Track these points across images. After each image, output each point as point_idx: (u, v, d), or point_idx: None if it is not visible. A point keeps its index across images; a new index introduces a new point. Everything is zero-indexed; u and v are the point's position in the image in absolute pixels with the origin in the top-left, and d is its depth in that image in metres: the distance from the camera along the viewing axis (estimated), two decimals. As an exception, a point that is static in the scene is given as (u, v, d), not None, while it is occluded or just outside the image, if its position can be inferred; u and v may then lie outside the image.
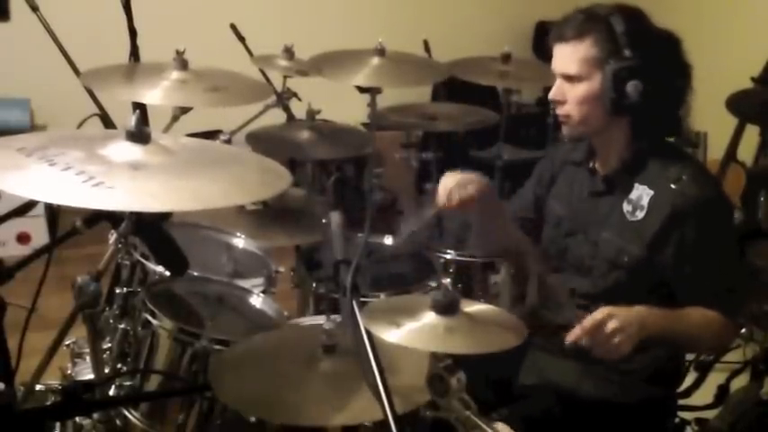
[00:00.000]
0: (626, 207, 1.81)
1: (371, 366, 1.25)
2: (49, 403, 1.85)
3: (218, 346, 1.82)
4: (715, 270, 1.78)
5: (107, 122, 2.31)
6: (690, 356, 2.97)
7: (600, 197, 1.89)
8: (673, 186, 1.76)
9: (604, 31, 1.75)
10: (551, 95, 1.84)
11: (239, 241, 2.34)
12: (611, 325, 1.61)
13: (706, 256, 1.77)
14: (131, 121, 1.35)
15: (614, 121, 1.81)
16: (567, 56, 1.79)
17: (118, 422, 1.85)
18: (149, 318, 1.90)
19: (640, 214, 1.79)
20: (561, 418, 1.85)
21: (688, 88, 1.82)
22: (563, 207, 1.97)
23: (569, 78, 1.80)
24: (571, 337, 1.62)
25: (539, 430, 1.82)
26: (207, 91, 2.03)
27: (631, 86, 1.73)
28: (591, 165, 1.92)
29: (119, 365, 2.00)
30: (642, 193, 1.79)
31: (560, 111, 1.84)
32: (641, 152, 1.82)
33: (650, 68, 1.74)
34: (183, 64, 2.06)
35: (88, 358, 2.07)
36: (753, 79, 3.66)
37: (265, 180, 1.43)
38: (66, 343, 2.15)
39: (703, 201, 1.75)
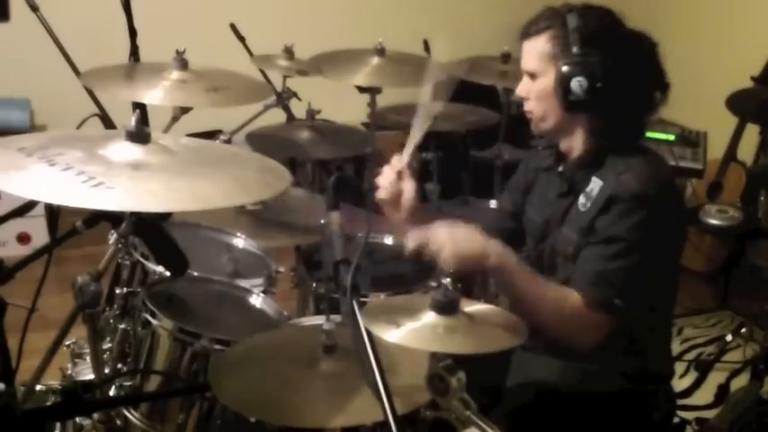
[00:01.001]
0: (581, 200, 1.81)
1: (371, 366, 1.25)
2: (49, 403, 1.86)
3: (218, 346, 1.82)
4: (603, 255, 1.74)
5: (107, 122, 2.31)
6: (690, 356, 2.98)
7: (564, 197, 1.89)
8: (620, 177, 1.75)
9: (560, 27, 1.78)
10: (517, 92, 1.88)
11: (239, 241, 2.34)
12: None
13: (606, 239, 1.74)
14: (131, 121, 1.35)
15: (572, 119, 1.82)
16: (528, 52, 1.84)
17: (118, 422, 1.85)
18: (149, 318, 1.90)
19: (589, 204, 1.79)
20: (548, 414, 1.86)
21: (653, 92, 1.81)
22: (537, 214, 1.98)
23: (531, 75, 1.84)
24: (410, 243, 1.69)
25: (525, 427, 1.83)
26: (207, 91, 2.03)
27: (576, 83, 1.74)
28: (560, 168, 1.93)
29: (119, 365, 2.00)
30: (595, 186, 1.79)
31: (526, 107, 1.88)
32: (599, 149, 1.82)
33: (603, 67, 1.73)
34: (182, 64, 2.06)
35: (88, 358, 2.08)
36: (753, 79, 3.66)
37: (265, 180, 1.43)
38: (67, 343, 2.15)
39: (636, 193, 1.72)
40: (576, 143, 1.86)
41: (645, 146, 1.87)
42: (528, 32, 1.84)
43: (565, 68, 1.75)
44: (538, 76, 1.82)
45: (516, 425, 1.79)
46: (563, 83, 1.76)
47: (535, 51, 1.82)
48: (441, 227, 1.69)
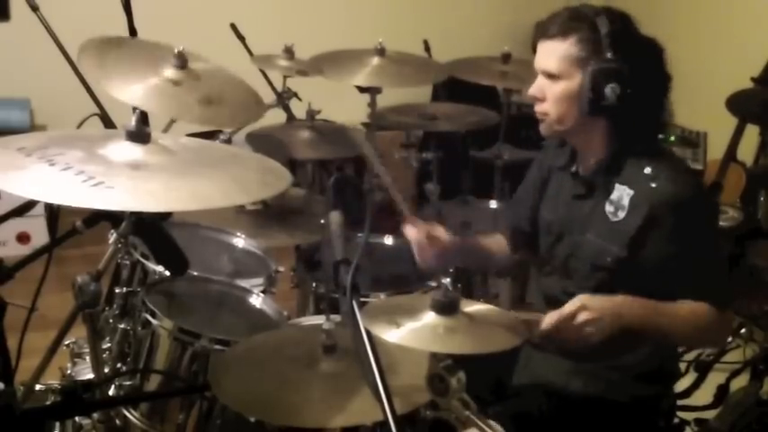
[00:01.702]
0: (608, 208, 1.81)
1: (371, 366, 1.25)
2: (48, 403, 1.85)
3: (218, 346, 1.82)
4: (697, 267, 1.77)
5: (107, 122, 2.31)
6: (690, 356, 2.98)
7: (583, 199, 1.89)
8: (652, 185, 1.76)
9: (588, 30, 1.75)
10: (530, 92, 1.84)
11: (239, 241, 2.34)
12: (583, 316, 1.63)
13: (686, 254, 1.76)
14: (131, 120, 1.35)
15: (591, 122, 1.81)
16: (550, 53, 1.79)
17: (118, 422, 1.85)
18: (149, 318, 1.90)
19: (621, 214, 1.79)
20: (552, 415, 1.86)
21: (666, 97, 1.83)
22: (552, 212, 1.97)
23: (550, 76, 1.80)
24: (542, 327, 1.64)
25: (530, 428, 1.83)
26: (204, 103, 2.00)
27: (609, 89, 1.73)
28: (573, 168, 1.92)
29: (119, 365, 2.00)
30: (623, 194, 1.79)
31: (538, 108, 1.85)
32: (618, 153, 1.82)
33: (630, 72, 1.74)
34: (182, 64, 2.05)
35: (88, 358, 2.07)
36: (753, 79, 3.65)
37: (265, 180, 1.43)
38: (66, 343, 2.15)
39: (680, 199, 1.75)
40: (593, 146, 1.85)
41: (658, 146, 1.88)
42: (548, 33, 1.79)
43: (598, 74, 1.73)
44: (560, 79, 1.78)
45: (522, 427, 1.79)
46: (595, 87, 1.73)
47: (559, 53, 1.77)
48: (572, 305, 1.65)
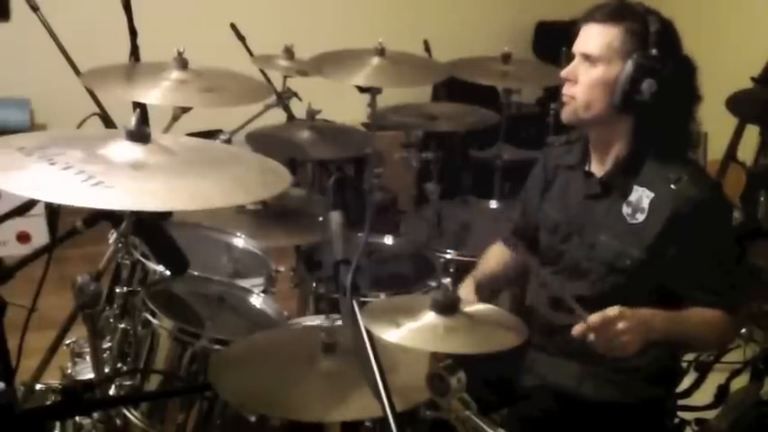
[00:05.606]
0: (625, 210, 1.81)
1: (372, 366, 1.25)
2: (48, 403, 1.85)
3: (218, 346, 1.82)
4: (717, 269, 1.78)
5: (107, 122, 2.31)
6: (690, 356, 2.98)
7: (596, 200, 1.87)
8: (673, 187, 1.76)
9: (639, 24, 1.76)
10: (564, 73, 1.83)
11: (239, 241, 2.34)
12: (621, 325, 1.61)
13: (708, 256, 1.77)
14: (131, 120, 1.35)
15: (616, 117, 1.80)
16: (595, 36, 1.79)
17: (118, 422, 1.86)
18: (149, 317, 1.90)
19: (641, 216, 1.78)
20: (560, 418, 1.85)
21: (695, 112, 1.85)
22: (558, 211, 1.96)
23: (588, 58, 1.79)
24: (578, 330, 1.61)
25: (538, 431, 1.82)
26: (205, 91, 2.02)
27: (647, 84, 1.73)
28: (586, 168, 1.91)
29: (119, 365, 2.00)
30: (642, 195, 1.79)
31: (567, 90, 1.84)
32: (638, 154, 1.82)
33: (669, 75, 1.74)
34: (183, 64, 2.05)
35: (88, 358, 2.08)
36: (753, 79, 3.66)
37: (265, 180, 1.43)
38: (66, 343, 2.15)
39: (703, 202, 1.75)
40: (613, 144, 1.84)
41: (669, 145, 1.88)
42: (596, 17, 1.79)
43: (639, 66, 1.73)
44: (599, 63, 1.78)
45: (531, 429, 1.78)
46: (634, 80, 1.73)
47: (605, 38, 1.77)
48: (611, 311, 1.62)
